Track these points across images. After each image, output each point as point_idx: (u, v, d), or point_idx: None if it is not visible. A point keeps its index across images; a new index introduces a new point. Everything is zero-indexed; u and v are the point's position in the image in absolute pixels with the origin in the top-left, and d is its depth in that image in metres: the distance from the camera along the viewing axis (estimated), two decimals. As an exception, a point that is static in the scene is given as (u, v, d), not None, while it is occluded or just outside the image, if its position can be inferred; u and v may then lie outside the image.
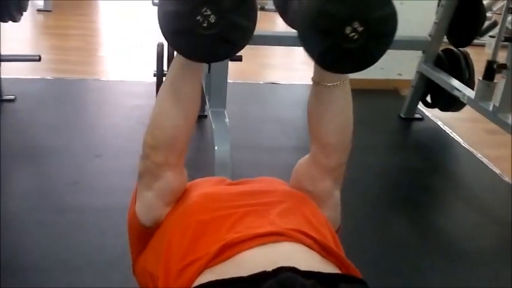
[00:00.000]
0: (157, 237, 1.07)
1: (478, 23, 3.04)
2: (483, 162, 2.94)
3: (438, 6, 3.21)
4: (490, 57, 2.70)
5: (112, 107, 3.32)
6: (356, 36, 0.91)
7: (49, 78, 3.62)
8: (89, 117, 3.15)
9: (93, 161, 2.62)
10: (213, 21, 0.89)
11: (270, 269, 0.84)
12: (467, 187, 2.77)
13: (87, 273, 1.86)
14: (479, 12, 3.02)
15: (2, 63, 3.13)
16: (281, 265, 0.84)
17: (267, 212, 1.03)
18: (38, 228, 2.08)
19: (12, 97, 3.18)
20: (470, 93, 2.84)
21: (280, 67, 4.48)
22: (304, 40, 0.94)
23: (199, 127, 3.05)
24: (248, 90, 3.77)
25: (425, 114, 3.53)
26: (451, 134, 3.30)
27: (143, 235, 1.11)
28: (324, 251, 0.96)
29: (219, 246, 0.92)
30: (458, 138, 3.24)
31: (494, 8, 4.74)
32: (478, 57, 3.50)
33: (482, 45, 4.24)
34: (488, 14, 3.39)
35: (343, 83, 1.06)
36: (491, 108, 2.65)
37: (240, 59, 2.51)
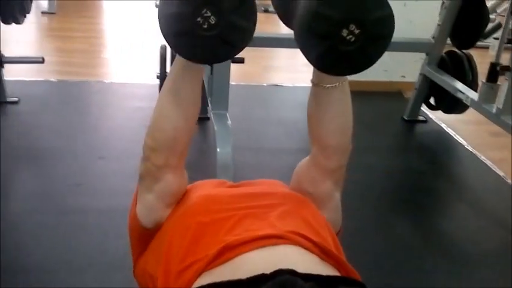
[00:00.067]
0: (158, 239, 1.08)
1: (481, 25, 3.03)
2: (486, 165, 2.93)
3: (441, 8, 3.21)
4: (493, 60, 2.70)
5: (115, 109, 3.32)
6: (353, 39, 0.92)
7: (53, 80, 3.63)
8: (92, 119, 3.15)
9: (96, 162, 2.63)
10: (213, 22, 0.89)
11: (268, 271, 0.83)
12: (470, 189, 2.76)
13: (89, 275, 1.86)
14: (483, 14, 3.02)
15: (6, 65, 3.14)
16: (280, 268, 0.84)
17: (266, 214, 1.03)
18: (40, 230, 2.09)
19: (15, 99, 3.19)
20: (473, 95, 2.83)
21: (283, 69, 4.48)
22: (301, 43, 0.95)
23: (201, 129, 3.05)
24: (251, 92, 3.77)
25: (428, 117, 3.52)
26: (454, 136, 3.29)
27: (144, 237, 1.11)
28: (323, 253, 0.96)
29: (219, 248, 0.92)
30: (462, 140, 3.23)
31: (498, 10, 4.73)
32: (482, 59, 3.49)
33: (486, 47, 4.22)
34: (492, 16, 3.38)
35: (342, 85, 1.06)
36: (494, 110, 2.64)
37: (242, 61, 2.51)
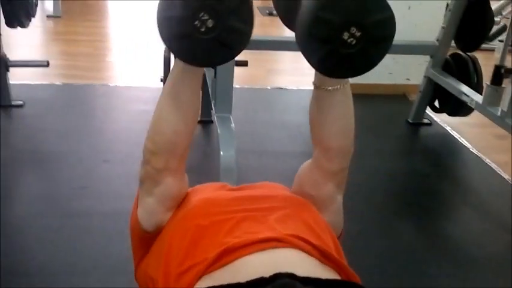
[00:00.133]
0: (159, 242, 1.08)
1: (486, 28, 3.03)
2: (491, 167, 2.92)
3: (446, 10, 3.20)
4: (498, 62, 2.69)
5: (120, 112, 3.34)
6: (354, 42, 0.92)
7: (57, 83, 3.65)
8: (96, 123, 3.16)
9: (100, 166, 2.64)
10: (211, 25, 0.89)
11: (268, 275, 0.83)
12: (475, 192, 2.75)
13: (93, 278, 1.87)
14: (487, 16, 3.01)
15: (11, 68, 3.15)
16: (279, 271, 0.84)
17: (265, 217, 1.03)
18: (45, 233, 2.10)
19: (21, 102, 3.21)
20: (478, 98, 2.83)
21: (288, 72, 4.48)
22: (303, 47, 0.95)
23: (205, 132, 3.06)
24: (255, 95, 3.78)
25: (433, 119, 3.51)
26: (459, 139, 3.28)
27: (145, 240, 1.11)
28: (323, 256, 0.96)
29: (218, 251, 0.92)
30: (467, 143, 3.22)
31: (504, 13, 4.72)
32: (488, 61, 3.49)
33: (492, 50, 4.22)
34: (497, 19, 3.37)
35: (344, 87, 1.06)
36: (499, 113, 2.63)
37: (245, 64, 2.52)
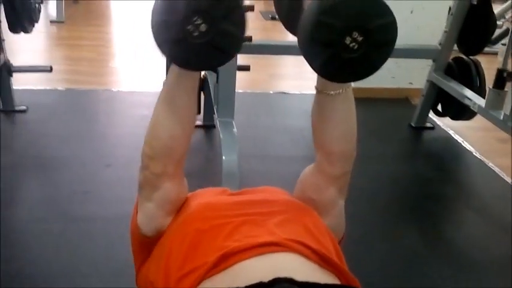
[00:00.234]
0: (159, 246, 1.08)
1: (488, 31, 3.02)
2: (495, 171, 2.92)
3: (448, 14, 3.20)
4: (500, 66, 2.69)
5: (122, 117, 3.34)
6: (356, 46, 0.92)
7: (60, 88, 3.66)
8: (99, 127, 3.17)
9: (103, 170, 2.64)
10: (204, 29, 0.90)
11: (267, 279, 0.83)
12: (478, 196, 2.75)
13: (95, 282, 1.87)
14: (490, 20, 3.01)
15: (14, 74, 3.17)
16: (278, 276, 0.84)
17: (265, 221, 1.03)
18: (47, 237, 2.10)
19: (24, 108, 3.22)
20: (480, 101, 2.82)
21: (290, 77, 4.48)
22: (305, 51, 0.95)
23: (208, 137, 3.06)
24: (258, 99, 3.78)
25: (436, 123, 3.51)
26: (462, 143, 3.28)
27: (145, 245, 1.11)
28: (323, 261, 0.96)
29: (218, 256, 0.92)
30: (470, 147, 3.22)
31: (507, 16, 4.71)
32: (491, 65, 3.48)
33: (495, 54, 4.21)
34: (500, 22, 3.36)
35: (346, 91, 1.06)
36: (501, 116, 2.63)
37: (247, 68, 2.52)
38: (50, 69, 3.27)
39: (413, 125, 3.45)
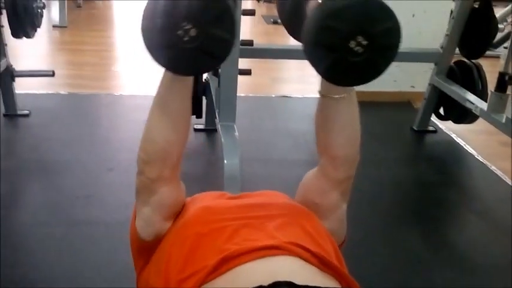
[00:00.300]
0: (159, 251, 1.08)
1: (490, 35, 3.03)
2: (497, 175, 2.91)
3: (450, 17, 3.21)
4: (502, 69, 2.68)
5: (124, 121, 3.35)
6: (361, 50, 0.93)
7: (63, 93, 3.67)
8: (101, 132, 3.18)
9: (105, 174, 2.64)
10: (194, 34, 0.90)
11: (266, 283, 0.83)
12: (481, 200, 2.74)
13: (97, 285, 1.87)
14: (491, 23, 3.01)
15: (17, 78, 3.18)
16: (278, 279, 0.84)
17: (264, 224, 1.03)
18: (49, 241, 2.10)
19: (26, 112, 3.23)
20: (482, 105, 2.82)
21: (292, 80, 4.49)
22: (310, 55, 0.96)
23: (209, 141, 3.07)
24: (260, 103, 3.78)
25: (438, 127, 3.50)
26: (464, 147, 3.27)
27: (145, 249, 1.11)
28: (323, 264, 0.96)
29: (218, 259, 0.92)
30: (472, 150, 3.21)
31: (509, 20, 4.71)
32: (493, 68, 3.48)
33: (497, 57, 4.21)
34: (501, 26, 3.36)
35: (350, 95, 1.07)
36: (504, 120, 2.62)
37: (249, 72, 2.53)
38: (53, 74, 3.28)
39: (415, 128, 3.45)
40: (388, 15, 0.93)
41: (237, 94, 2.40)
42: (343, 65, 0.94)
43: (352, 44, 0.92)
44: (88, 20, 5.95)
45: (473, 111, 2.88)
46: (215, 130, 2.96)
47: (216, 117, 2.59)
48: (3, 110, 3.20)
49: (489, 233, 2.40)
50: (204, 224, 1.03)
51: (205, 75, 2.89)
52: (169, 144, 1.05)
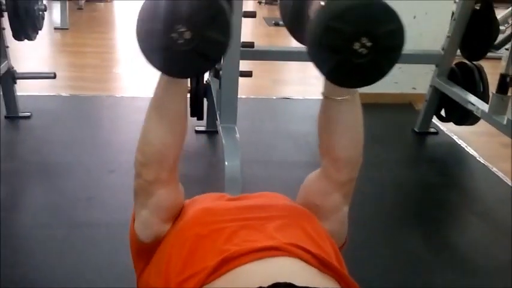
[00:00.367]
0: (159, 253, 1.08)
1: (491, 37, 3.02)
2: (498, 176, 2.91)
3: (451, 19, 3.20)
4: (503, 71, 2.68)
5: (126, 123, 3.35)
6: (365, 52, 0.93)
7: (64, 95, 3.67)
8: (103, 133, 3.18)
9: (106, 176, 2.64)
10: (188, 37, 0.90)
11: (266, 284, 0.83)
12: (482, 201, 2.74)
13: (98, 287, 1.87)
14: (493, 25, 3.01)
15: (18, 80, 3.18)
16: (278, 280, 0.84)
17: (263, 226, 1.03)
18: (51, 243, 2.11)
19: (28, 114, 3.24)
20: (484, 106, 2.81)
21: (293, 82, 4.49)
22: (314, 57, 0.96)
23: (211, 143, 3.07)
24: (261, 105, 3.79)
25: (439, 128, 3.50)
26: (466, 148, 3.27)
27: (144, 251, 1.11)
28: (323, 265, 0.96)
29: (218, 260, 0.92)
30: (474, 152, 3.21)
31: (510, 21, 4.70)
32: (495, 70, 3.47)
33: (498, 59, 4.20)
34: (503, 27, 3.36)
35: (353, 97, 1.07)
36: (505, 121, 2.62)
37: (250, 74, 2.53)
38: (54, 76, 3.29)
39: (416, 130, 3.45)
40: (392, 16, 0.94)
41: (238, 96, 2.41)
42: (347, 67, 0.94)
43: (357, 45, 0.92)
44: (89, 22, 5.96)
45: (475, 113, 2.88)
46: (216, 132, 2.96)
47: (217, 119, 2.60)
48: (4, 112, 3.21)
49: (490, 235, 2.40)
50: (204, 225, 1.03)
51: (206, 77, 2.89)
52: (166, 147, 1.05)
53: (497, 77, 2.73)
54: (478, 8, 3.04)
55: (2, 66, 2.97)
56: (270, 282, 0.83)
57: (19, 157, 2.78)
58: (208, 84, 2.86)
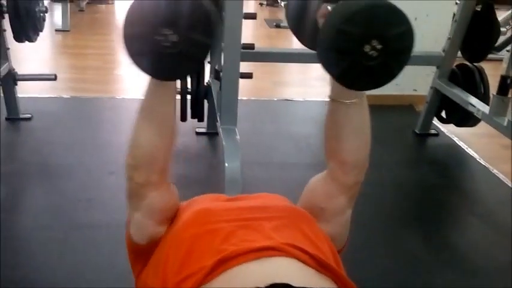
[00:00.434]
0: (157, 253, 1.08)
1: (492, 38, 3.02)
2: (499, 178, 2.91)
3: (452, 21, 3.21)
4: (504, 72, 2.68)
5: (126, 125, 3.33)
6: (375, 54, 0.94)
7: (65, 96, 3.68)
8: (103, 135, 3.18)
9: (107, 178, 2.64)
10: (174, 40, 0.91)
11: (263, 284, 0.83)
12: (482, 203, 2.74)
13: (98, 288, 1.88)
14: (494, 27, 3.01)
15: (19, 82, 3.19)
16: (275, 281, 0.84)
17: (261, 226, 1.03)
18: (51, 244, 2.11)
19: (29, 115, 3.24)
20: (484, 108, 2.81)
21: (294, 84, 4.49)
22: (324, 59, 0.97)
23: (211, 144, 3.07)
24: (262, 107, 3.78)
25: (440, 130, 3.50)
26: (466, 150, 3.27)
27: (141, 253, 1.12)
28: (320, 266, 0.96)
29: (215, 260, 0.92)
30: (474, 153, 3.21)
31: (511, 23, 4.70)
32: (496, 71, 3.47)
33: (499, 60, 4.20)
34: (504, 29, 3.36)
35: (361, 100, 1.07)
36: (505, 123, 2.62)
37: (250, 76, 2.53)
38: (55, 78, 3.30)
39: (417, 131, 3.45)
40: (402, 18, 0.95)
41: (239, 97, 2.41)
42: (357, 69, 0.95)
43: (367, 48, 0.93)
44: (91, 24, 5.96)
45: (475, 115, 2.88)
46: (216, 133, 2.96)
47: (217, 121, 2.60)
48: (5, 114, 3.21)
49: (490, 236, 2.40)
50: (201, 226, 1.03)
51: (207, 79, 2.89)
52: (156, 149, 1.05)
53: (498, 79, 2.73)
54: (479, 9, 3.04)
55: (2, 68, 2.97)
56: (267, 283, 0.83)
57: (20, 159, 2.79)
58: (208, 86, 2.86)
